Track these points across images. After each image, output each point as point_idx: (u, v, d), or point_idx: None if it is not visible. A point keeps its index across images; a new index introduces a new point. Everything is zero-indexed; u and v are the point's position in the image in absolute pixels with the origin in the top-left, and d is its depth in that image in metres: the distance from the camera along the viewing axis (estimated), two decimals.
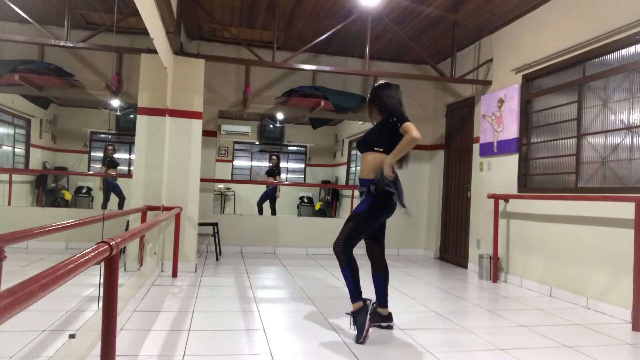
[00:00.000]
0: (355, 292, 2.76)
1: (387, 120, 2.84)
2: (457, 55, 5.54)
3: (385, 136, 2.82)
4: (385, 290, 2.96)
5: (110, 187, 6.14)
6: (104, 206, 5.97)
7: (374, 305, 2.93)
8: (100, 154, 6.75)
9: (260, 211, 8.67)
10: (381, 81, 3.05)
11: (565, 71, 4.20)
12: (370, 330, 2.84)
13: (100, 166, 6.65)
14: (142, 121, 4.31)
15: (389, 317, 2.95)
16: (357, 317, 2.72)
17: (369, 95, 3.03)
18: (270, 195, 8.80)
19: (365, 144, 2.93)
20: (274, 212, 8.58)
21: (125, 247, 3.67)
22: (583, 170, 3.94)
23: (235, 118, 9.78)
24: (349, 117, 6.76)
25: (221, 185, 9.26)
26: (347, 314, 2.86)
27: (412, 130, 2.65)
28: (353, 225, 2.80)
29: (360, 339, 2.65)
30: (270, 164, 9.39)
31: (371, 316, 2.77)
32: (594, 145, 3.86)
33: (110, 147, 6.39)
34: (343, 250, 2.77)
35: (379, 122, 2.93)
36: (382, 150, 2.83)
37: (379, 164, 2.80)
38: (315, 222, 6.92)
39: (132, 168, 5.35)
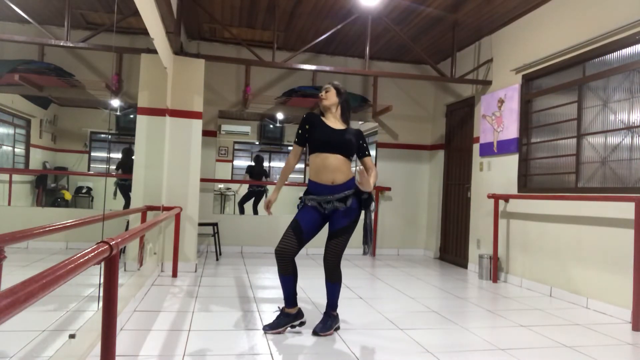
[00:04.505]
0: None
1: (358, 137, 2.89)
2: (457, 55, 5.54)
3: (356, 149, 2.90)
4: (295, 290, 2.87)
5: (128, 190, 6.14)
6: (127, 207, 5.99)
7: (282, 307, 2.85)
8: (101, 154, 6.73)
9: (242, 211, 8.62)
10: (340, 85, 3.01)
11: (565, 71, 4.20)
12: (370, 331, 2.87)
13: (116, 169, 6.60)
14: (142, 121, 4.31)
15: (300, 314, 2.87)
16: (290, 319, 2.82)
17: (341, 91, 3.00)
18: (254, 195, 8.77)
19: (344, 149, 2.83)
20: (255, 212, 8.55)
21: (125, 247, 3.66)
22: (583, 170, 3.94)
23: (235, 118, 9.75)
24: None
25: (221, 185, 9.24)
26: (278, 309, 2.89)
27: (374, 169, 2.90)
28: (347, 238, 2.77)
29: (269, 329, 2.77)
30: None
31: (282, 318, 2.82)
32: (594, 145, 3.86)
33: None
34: (339, 266, 2.80)
35: (353, 133, 2.88)
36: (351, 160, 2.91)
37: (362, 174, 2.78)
38: None
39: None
